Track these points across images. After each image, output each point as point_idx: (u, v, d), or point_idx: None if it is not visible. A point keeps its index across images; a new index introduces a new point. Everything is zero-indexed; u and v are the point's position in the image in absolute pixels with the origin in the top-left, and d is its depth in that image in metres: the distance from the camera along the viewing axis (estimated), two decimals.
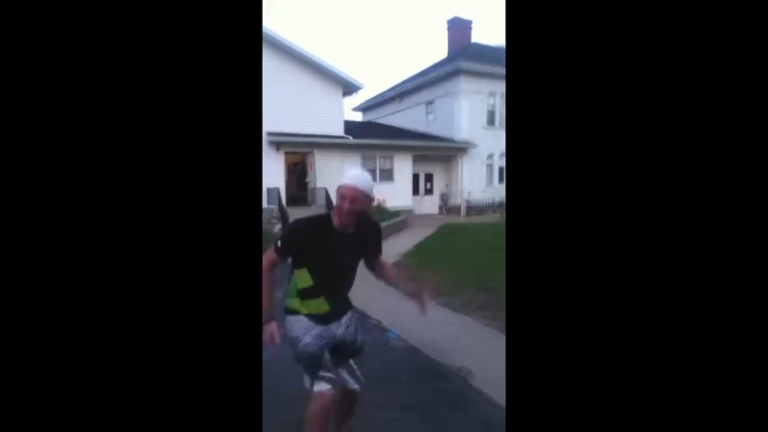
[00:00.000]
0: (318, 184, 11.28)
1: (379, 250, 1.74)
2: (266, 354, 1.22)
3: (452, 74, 13.65)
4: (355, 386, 1.71)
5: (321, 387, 1.57)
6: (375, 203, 10.97)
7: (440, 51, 52.32)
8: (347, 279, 1.68)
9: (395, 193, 12.70)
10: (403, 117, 16.24)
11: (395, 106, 17.09)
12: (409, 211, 12.54)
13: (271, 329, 1.56)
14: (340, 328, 1.65)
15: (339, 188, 1.51)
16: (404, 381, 2.61)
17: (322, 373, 1.59)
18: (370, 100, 18.89)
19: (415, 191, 13.91)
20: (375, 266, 1.76)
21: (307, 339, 1.57)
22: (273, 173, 10.97)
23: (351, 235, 1.57)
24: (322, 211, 9.19)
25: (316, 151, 11.59)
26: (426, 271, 5.57)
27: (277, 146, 11.16)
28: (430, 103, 15.13)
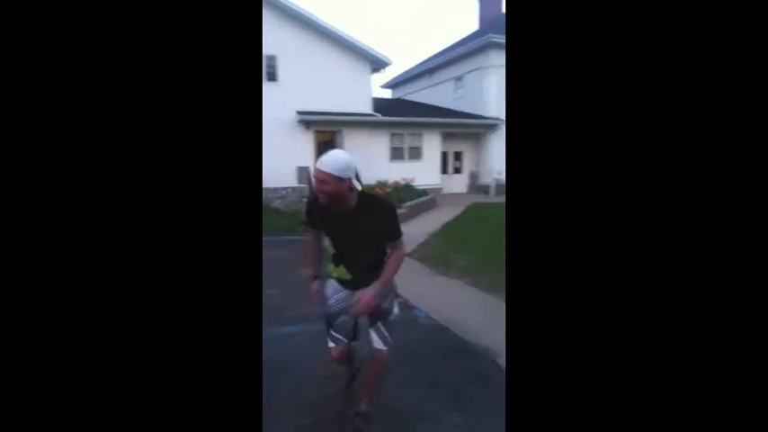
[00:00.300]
0: None
1: (389, 236, 1.73)
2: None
3: (482, 48, 13.15)
4: (381, 346, 1.81)
5: (330, 344, 1.85)
6: (403, 182, 11.02)
7: (470, 24, 50.29)
8: (363, 254, 1.76)
9: (423, 172, 12.59)
10: (432, 94, 15.90)
11: (424, 82, 16.73)
12: (437, 190, 12.43)
13: (312, 288, 1.92)
14: (350, 299, 1.78)
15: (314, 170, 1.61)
16: (433, 358, 2.65)
17: (331, 332, 1.84)
18: (398, 76, 18.55)
19: (444, 169, 13.73)
20: (387, 252, 1.78)
21: (331, 301, 1.86)
22: (303, 152, 11.09)
23: (350, 214, 1.66)
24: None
25: (344, 129, 11.60)
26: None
27: (307, 124, 11.23)
28: (459, 78, 14.70)
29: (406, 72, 18.05)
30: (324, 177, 1.55)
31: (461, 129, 13.49)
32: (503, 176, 13.60)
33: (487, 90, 13.24)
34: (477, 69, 13.64)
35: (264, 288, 4.16)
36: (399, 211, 8.99)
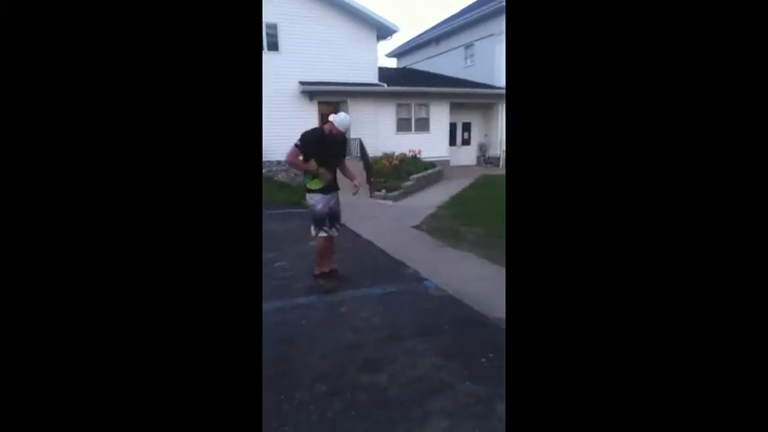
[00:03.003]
0: (352, 136, 11.14)
1: (343, 154, 3.44)
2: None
3: (494, 13, 12.60)
4: (335, 234, 3.40)
5: (321, 234, 3.28)
6: (410, 153, 10.85)
7: None
8: (334, 167, 3.28)
9: (430, 143, 12.36)
10: (440, 62, 15.41)
11: (431, 51, 16.18)
12: (445, 162, 12.23)
13: (321, 171, 3.16)
14: (332, 200, 3.28)
15: (327, 122, 3.18)
16: (445, 329, 2.63)
17: (324, 228, 3.27)
18: (404, 44, 17.97)
19: (452, 141, 13.47)
20: (341, 165, 3.39)
21: (318, 206, 3.21)
22: (307, 124, 10.89)
23: (334, 140, 3.20)
24: (359, 162, 9.24)
25: (349, 100, 11.32)
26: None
27: (310, 95, 10.97)
28: (469, 46, 14.19)
29: (413, 40, 17.46)
30: (332, 129, 3.15)
31: (470, 99, 13.13)
32: None
33: (499, 58, 12.77)
34: (488, 36, 13.13)
35: (272, 261, 4.17)
36: (406, 183, 8.88)
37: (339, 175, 3.34)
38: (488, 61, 13.12)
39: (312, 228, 3.28)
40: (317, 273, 3.37)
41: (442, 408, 1.84)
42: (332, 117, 3.13)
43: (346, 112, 11.30)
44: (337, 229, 3.38)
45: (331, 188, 3.23)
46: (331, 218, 3.26)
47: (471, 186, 9.35)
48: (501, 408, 1.81)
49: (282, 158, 10.99)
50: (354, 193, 3.49)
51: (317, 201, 3.18)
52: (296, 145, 3.06)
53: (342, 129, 3.11)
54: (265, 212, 6.12)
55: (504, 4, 12.08)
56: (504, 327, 2.61)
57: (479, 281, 3.50)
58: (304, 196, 3.34)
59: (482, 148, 14.08)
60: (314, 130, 3.24)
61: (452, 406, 1.85)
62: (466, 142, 14.08)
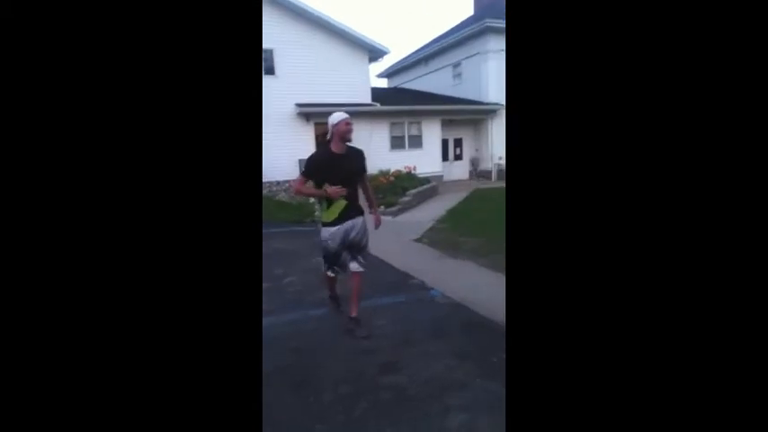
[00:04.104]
0: None
1: (362, 170, 2.74)
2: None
3: (478, 33, 13.12)
4: (360, 269, 2.79)
5: (329, 273, 2.86)
6: (405, 170, 11.06)
7: (466, 9, 49.67)
8: (352, 188, 2.64)
9: (424, 160, 12.64)
10: (429, 81, 15.88)
11: (420, 70, 16.68)
12: (439, 178, 12.51)
13: (329, 190, 2.55)
14: (353, 231, 2.67)
15: (328, 139, 2.65)
16: (455, 333, 2.77)
17: (335, 266, 2.78)
18: (394, 65, 18.48)
19: (445, 156, 13.79)
20: (362, 184, 2.79)
21: (329, 242, 2.66)
22: (305, 145, 11.12)
23: (347, 157, 2.62)
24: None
25: None
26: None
27: (306, 117, 11.25)
28: (456, 65, 14.68)
29: (402, 60, 17.98)
30: (325, 129, 2.70)
31: (461, 115, 13.51)
32: (504, 161, 13.65)
33: (486, 75, 13.24)
34: (474, 55, 13.62)
35: (281, 276, 4.27)
36: (403, 198, 9.08)
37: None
38: (476, 79, 13.58)
39: (322, 263, 2.85)
40: (353, 315, 2.83)
41: (459, 403, 1.98)
42: (340, 116, 2.60)
43: None
44: (360, 264, 2.75)
45: (349, 214, 2.64)
46: (352, 250, 2.72)
47: (466, 200, 9.58)
48: None
49: (282, 178, 11.29)
50: (376, 227, 2.89)
51: (328, 236, 2.65)
52: (301, 173, 2.65)
53: (331, 124, 2.58)
54: (269, 230, 6.25)
55: (488, 25, 12.60)
56: None
57: (482, 288, 3.66)
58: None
59: (474, 163, 14.41)
60: (318, 150, 2.77)
61: (469, 401, 1.99)
62: (458, 157, 14.40)
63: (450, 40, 14.53)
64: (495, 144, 13.63)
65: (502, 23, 12.94)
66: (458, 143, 14.35)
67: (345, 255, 2.72)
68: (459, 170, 14.30)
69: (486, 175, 13.77)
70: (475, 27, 13.22)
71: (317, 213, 2.96)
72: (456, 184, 12.74)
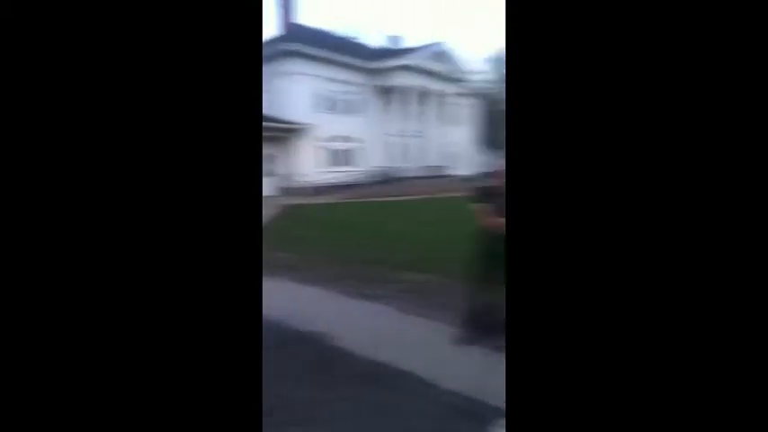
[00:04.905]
0: None
1: None
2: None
3: (286, 54, 13.41)
4: None
5: None
6: None
7: (268, 30, 49.28)
8: None
9: None
10: None
11: None
12: None
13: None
14: None
15: None
16: (272, 349, 2.71)
17: None
18: None
19: None
20: None
21: None
22: None
23: None
24: None
25: None
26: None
27: None
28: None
29: None
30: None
31: (269, 132, 13.38)
32: (313, 179, 14.18)
33: (294, 96, 13.55)
34: (280, 75, 13.78)
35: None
36: None
37: None
38: (281, 98, 13.78)
39: None
40: None
41: None
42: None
43: None
44: None
45: None
46: None
47: (278, 216, 9.44)
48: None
49: None
50: None
51: None
52: None
53: None
54: None
55: (298, 50, 13.03)
56: (328, 340, 2.86)
57: (298, 302, 3.69)
58: None
59: (284, 180, 14.43)
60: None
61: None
62: (268, 174, 14.15)
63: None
64: (303, 162, 14.00)
65: (312, 50, 13.58)
66: (269, 159, 14.14)
67: None
68: (270, 187, 14.07)
69: (296, 191, 13.95)
70: (281, 48, 13.43)
71: None
72: (267, 200, 12.43)
